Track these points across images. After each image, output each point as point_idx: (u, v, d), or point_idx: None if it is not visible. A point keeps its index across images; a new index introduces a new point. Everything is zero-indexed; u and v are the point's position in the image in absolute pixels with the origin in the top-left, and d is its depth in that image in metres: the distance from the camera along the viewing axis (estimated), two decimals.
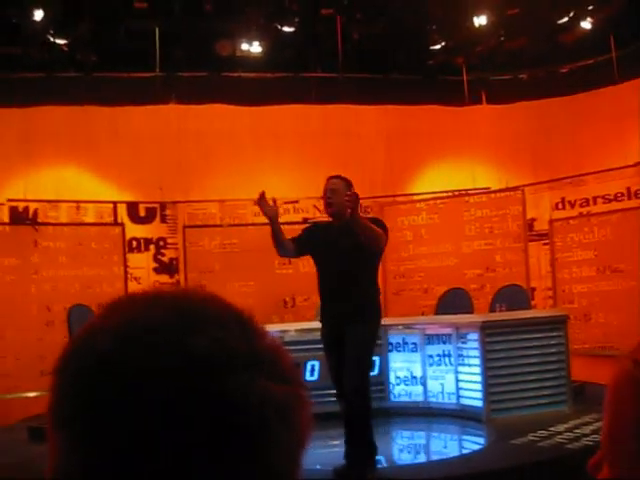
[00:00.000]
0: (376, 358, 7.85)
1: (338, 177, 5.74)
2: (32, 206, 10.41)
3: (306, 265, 10.52)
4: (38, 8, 9.73)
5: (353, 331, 5.30)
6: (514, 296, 8.62)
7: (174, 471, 0.62)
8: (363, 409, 5.28)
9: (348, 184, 5.70)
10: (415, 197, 11.27)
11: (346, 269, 5.40)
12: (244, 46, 10.93)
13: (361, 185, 10.60)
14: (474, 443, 7.01)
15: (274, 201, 5.55)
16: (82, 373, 0.67)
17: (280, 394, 0.67)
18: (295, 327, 7.86)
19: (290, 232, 10.63)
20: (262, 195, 5.42)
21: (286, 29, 10.72)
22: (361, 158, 10.96)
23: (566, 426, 6.59)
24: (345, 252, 5.36)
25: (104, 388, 0.65)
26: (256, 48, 10.90)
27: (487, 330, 7.24)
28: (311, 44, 11.15)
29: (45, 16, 9.81)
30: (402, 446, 7.48)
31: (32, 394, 9.79)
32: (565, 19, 10.74)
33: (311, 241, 5.68)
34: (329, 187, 5.63)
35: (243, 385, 0.65)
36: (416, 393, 7.90)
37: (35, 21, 9.87)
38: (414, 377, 7.89)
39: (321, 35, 11.12)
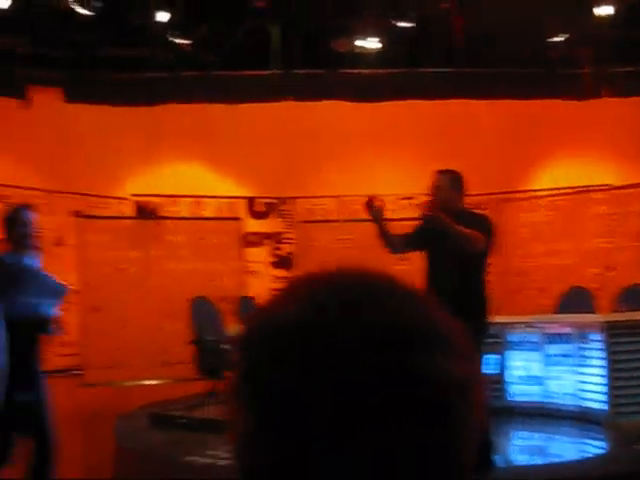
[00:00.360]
0: (494, 357, 7.76)
1: (445, 172, 5.59)
2: (155, 201, 10.80)
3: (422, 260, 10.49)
4: (162, 10, 10.07)
5: None
6: (638, 296, 8.34)
7: (364, 443, 0.63)
8: None
9: (455, 178, 5.55)
10: (533, 193, 11.05)
11: (449, 267, 5.31)
12: (361, 42, 10.97)
13: (477, 181, 10.50)
14: (596, 447, 6.84)
15: (380, 201, 5.47)
16: (266, 343, 0.68)
17: (461, 372, 0.66)
18: None
19: (408, 228, 10.65)
20: (371, 200, 5.37)
21: (403, 25, 10.69)
22: (477, 153, 10.83)
23: None
24: (448, 250, 5.27)
25: (287, 358, 0.65)
26: (373, 44, 10.92)
27: (612, 331, 7.04)
28: (427, 39, 11.09)
29: (168, 17, 10.13)
30: (520, 447, 7.37)
31: (152, 382, 10.17)
32: None
33: (421, 237, 5.63)
34: (433, 184, 5.51)
35: (428, 361, 0.65)
36: (534, 393, 7.76)
37: (159, 22, 10.21)
38: (533, 377, 7.76)
39: (437, 30, 11.04)
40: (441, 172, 5.53)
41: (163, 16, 10.06)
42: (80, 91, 11.10)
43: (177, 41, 10.71)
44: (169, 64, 10.91)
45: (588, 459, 6.35)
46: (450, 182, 5.43)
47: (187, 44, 10.83)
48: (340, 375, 0.64)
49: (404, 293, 0.71)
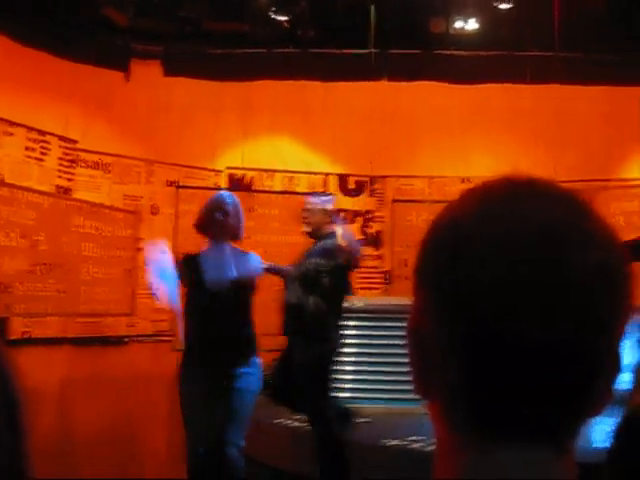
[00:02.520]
0: None
1: (317, 195, 5.39)
2: (249, 174, 11.00)
3: None
4: None
5: None
6: None
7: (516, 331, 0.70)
8: None
9: (327, 200, 5.31)
10: (630, 182, 10.87)
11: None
12: (458, 23, 10.93)
13: (574, 168, 10.40)
14: None
15: None
16: (443, 244, 0.77)
17: (606, 263, 0.73)
18: None
19: None
20: None
21: (503, 6, 10.61)
22: (574, 140, 10.70)
23: None
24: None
25: (461, 258, 0.74)
26: (471, 25, 10.87)
27: None
28: (527, 21, 10.98)
29: None
30: None
31: None
32: None
33: None
34: (305, 206, 5.30)
35: (583, 258, 0.71)
36: None
37: None
38: None
39: (538, 12, 10.91)
40: (313, 195, 5.33)
41: None
42: (179, 65, 11.34)
43: (276, 17, 10.86)
44: (266, 40, 11.06)
45: None
46: (321, 206, 5.19)
47: (286, 20, 10.96)
48: (511, 270, 0.71)
49: (565, 197, 0.78)
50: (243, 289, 3.98)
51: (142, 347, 10.09)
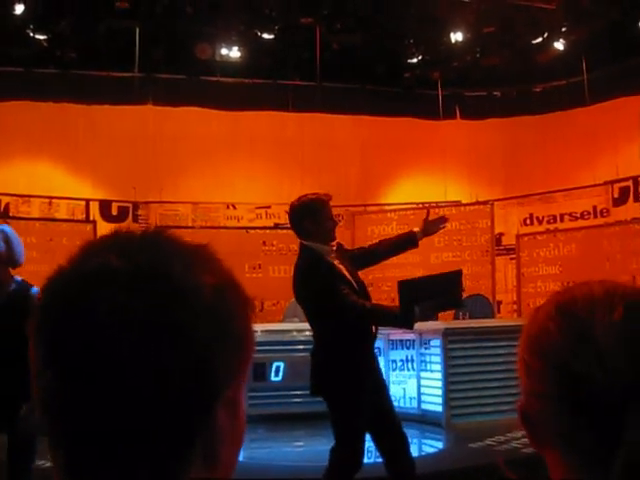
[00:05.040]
0: None
1: None
2: (4, 200, 10.39)
3: (275, 270, 10.60)
4: (19, 2, 9.75)
5: None
6: (478, 306, 8.75)
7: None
8: None
9: None
10: (386, 207, 11.39)
11: None
12: (223, 51, 11.02)
13: (334, 193, 10.75)
14: (433, 446, 7.12)
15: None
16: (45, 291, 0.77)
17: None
18: (261, 328, 7.92)
19: (262, 237, 10.72)
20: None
21: (265, 36, 10.83)
22: (335, 166, 11.08)
23: (523, 432, 6.67)
24: None
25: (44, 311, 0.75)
26: (235, 53, 11.00)
27: (449, 337, 7.35)
28: (290, 52, 11.27)
29: (26, 11, 9.82)
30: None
31: None
32: (539, 39, 10.93)
33: None
34: None
35: (112, 299, 0.72)
36: None
37: (15, 15, 9.88)
38: None
39: (300, 44, 11.24)
40: None
41: (19, 8, 9.74)
42: None
43: (34, 36, 10.40)
44: (24, 59, 10.57)
45: (427, 456, 6.61)
46: None
47: (44, 39, 10.53)
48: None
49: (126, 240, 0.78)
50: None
51: None
